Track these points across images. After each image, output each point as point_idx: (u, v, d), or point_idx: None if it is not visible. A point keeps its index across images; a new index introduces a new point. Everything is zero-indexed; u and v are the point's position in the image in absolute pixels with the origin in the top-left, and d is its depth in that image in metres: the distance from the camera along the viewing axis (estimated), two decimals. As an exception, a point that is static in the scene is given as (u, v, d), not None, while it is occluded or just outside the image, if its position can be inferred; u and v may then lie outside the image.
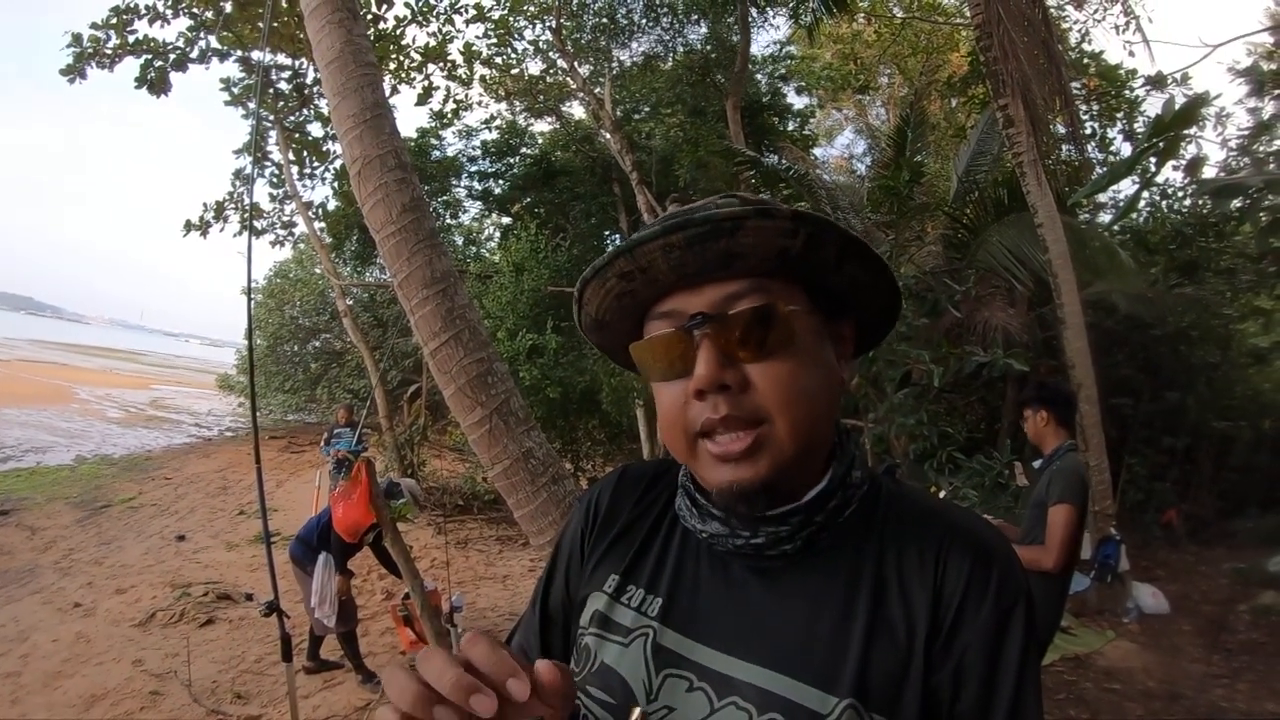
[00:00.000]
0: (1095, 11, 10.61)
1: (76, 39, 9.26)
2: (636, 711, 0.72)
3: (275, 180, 12.93)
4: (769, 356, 0.70)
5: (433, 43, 11.72)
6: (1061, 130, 6.71)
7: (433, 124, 14.13)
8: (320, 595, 4.86)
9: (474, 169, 16.08)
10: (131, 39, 9.47)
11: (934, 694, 0.69)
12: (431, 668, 0.49)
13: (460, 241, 17.21)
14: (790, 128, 14.56)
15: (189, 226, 12.12)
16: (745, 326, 0.69)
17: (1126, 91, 11.25)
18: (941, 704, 0.69)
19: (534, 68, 13.64)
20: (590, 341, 0.88)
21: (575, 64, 12.13)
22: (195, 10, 9.62)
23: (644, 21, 12.46)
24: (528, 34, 12.97)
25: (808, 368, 0.71)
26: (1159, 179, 10.11)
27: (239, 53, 10.47)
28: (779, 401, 0.69)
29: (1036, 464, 3.44)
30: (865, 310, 0.81)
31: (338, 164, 12.42)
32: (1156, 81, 10.21)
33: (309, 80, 11.25)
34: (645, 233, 0.69)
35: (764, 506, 0.72)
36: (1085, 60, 11.18)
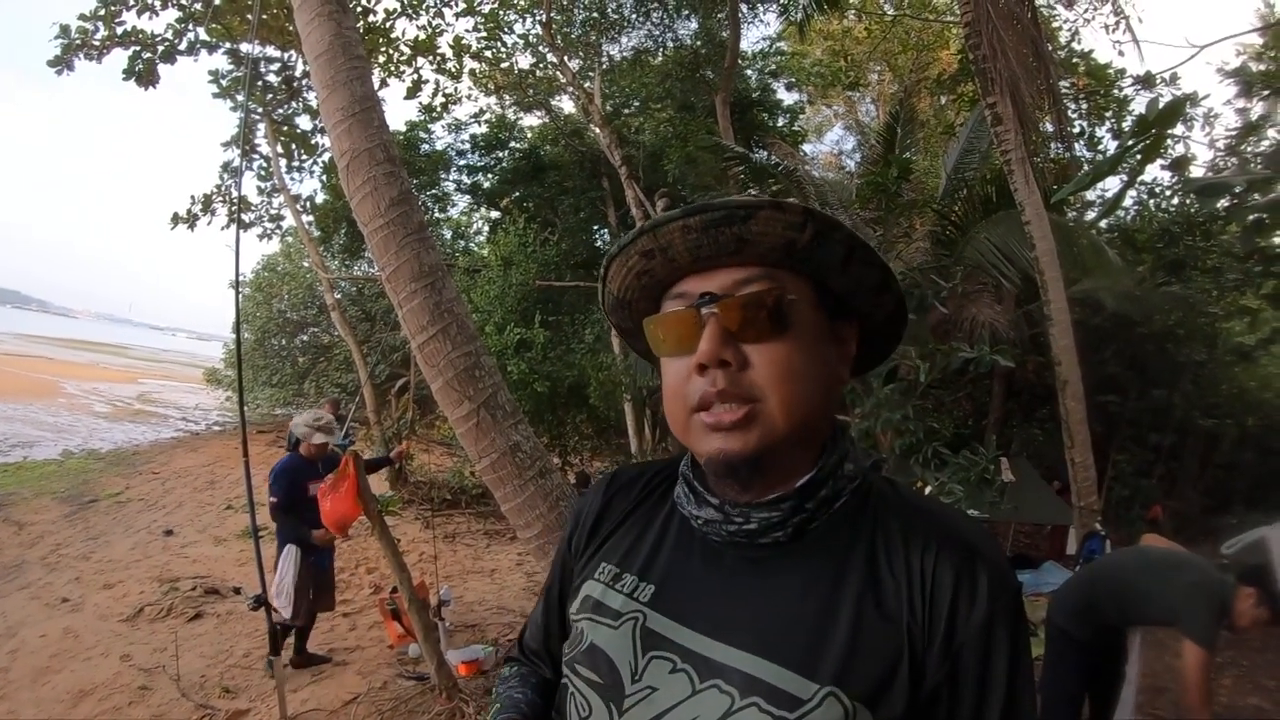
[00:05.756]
0: (1085, 11, 10.65)
1: (64, 30, 9.16)
2: None
3: (263, 173, 12.87)
4: (768, 339, 0.73)
5: (422, 36, 11.69)
6: (1050, 128, 6.74)
7: (422, 117, 14.10)
8: (278, 586, 4.84)
9: (463, 163, 16.07)
10: (120, 31, 9.37)
11: (932, 693, 0.71)
12: None
13: (449, 235, 17.18)
14: (780, 124, 14.59)
15: (176, 220, 12.01)
16: (749, 308, 0.73)
17: (1115, 91, 11.31)
18: (940, 701, 0.71)
19: (524, 62, 13.65)
20: (612, 323, 0.93)
21: (565, 58, 12.08)
22: (184, 2, 9.55)
23: (634, 16, 12.47)
24: (517, 28, 13.00)
25: (804, 354, 0.75)
26: (1146, 178, 10.19)
27: (228, 45, 10.39)
28: (772, 380, 0.73)
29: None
30: (868, 318, 0.85)
31: (326, 157, 12.36)
32: (1145, 81, 10.27)
33: (298, 73, 11.20)
34: (667, 214, 0.73)
35: (749, 479, 0.75)
36: (1074, 59, 11.24)
